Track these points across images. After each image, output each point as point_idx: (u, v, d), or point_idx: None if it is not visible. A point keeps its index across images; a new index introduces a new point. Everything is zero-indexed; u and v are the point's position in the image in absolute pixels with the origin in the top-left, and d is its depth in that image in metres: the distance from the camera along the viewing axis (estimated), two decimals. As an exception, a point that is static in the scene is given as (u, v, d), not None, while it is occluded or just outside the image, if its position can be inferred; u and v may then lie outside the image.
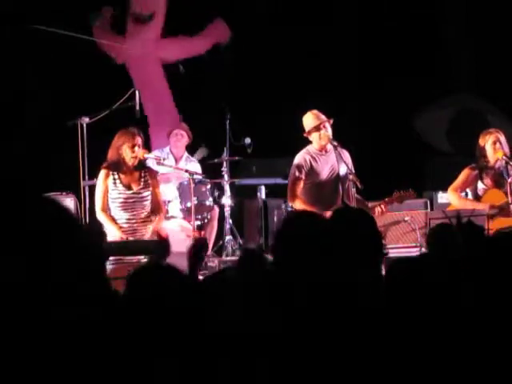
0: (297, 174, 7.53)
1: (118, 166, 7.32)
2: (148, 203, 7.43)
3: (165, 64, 10.89)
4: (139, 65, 10.81)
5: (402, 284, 2.61)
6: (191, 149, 9.19)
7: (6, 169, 9.10)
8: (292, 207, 7.73)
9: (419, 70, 10.70)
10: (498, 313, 2.49)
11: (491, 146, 7.65)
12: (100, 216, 7.35)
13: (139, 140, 7.32)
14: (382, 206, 7.29)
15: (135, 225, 7.38)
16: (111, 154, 7.34)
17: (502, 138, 7.67)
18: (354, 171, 7.57)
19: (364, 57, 10.82)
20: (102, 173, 7.37)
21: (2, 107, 9.97)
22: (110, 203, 7.40)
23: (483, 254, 2.59)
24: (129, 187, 7.37)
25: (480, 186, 7.69)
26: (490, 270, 2.53)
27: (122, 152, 7.29)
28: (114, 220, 7.34)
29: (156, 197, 7.46)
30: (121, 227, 7.31)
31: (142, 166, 7.44)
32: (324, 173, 7.56)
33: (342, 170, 7.58)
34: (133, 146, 7.27)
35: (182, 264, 4.03)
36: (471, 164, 7.75)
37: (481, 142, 7.71)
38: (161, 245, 6.79)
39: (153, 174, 7.54)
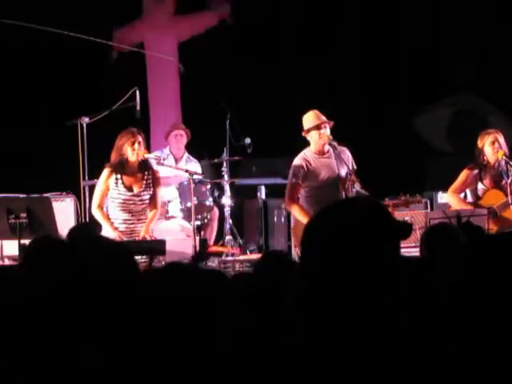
0: (294, 179, 7.49)
1: (121, 167, 7.33)
2: (147, 205, 7.45)
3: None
4: (155, 46, 10.87)
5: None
6: (190, 149, 9.18)
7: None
8: (285, 209, 7.71)
9: (420, 70, 10.71)
10: (498, 313, 2.49)
11: (490, 146, 7.65)
12: (95, 212, 7.39)
13: (139, 137, 7.34)
14: (390, 211, 7.29)
15: (132, 226, 7.39)
16: (114, 156, 7.36)
17: (501, 138, 7.67)
18: (355, 167, 7.56)
19: (364, 56, 10.81)
20: (105, 172, 7.39)
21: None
22: (109, 202, 7.42)
23: (482, 254, 2.59)
24: (130, 189, 7.38)
25: (480, 186, 7.69)
26: (489, 270, 2.53)
27: (124, 152, 7.30)
28: (109, 219, 7.36)
29: (154, 195, 7.46)
30: (117, 228, 7.33)
31: (145, 167, 7.45)
32: (322, 176, 7.51)
33: (343, 171, 7.55)
34: (133, 143, 7.28)
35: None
36: (470, 164, 7.75)
37: (479, 142, 7.71)
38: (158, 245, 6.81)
39: (156, 174, 7.54)
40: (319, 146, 7.53)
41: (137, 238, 7.29)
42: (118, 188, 7.36)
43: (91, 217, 7.77)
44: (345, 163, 7.50)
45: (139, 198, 7.41)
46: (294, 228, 7.70)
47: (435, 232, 4.66)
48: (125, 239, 7.22)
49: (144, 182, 7.42)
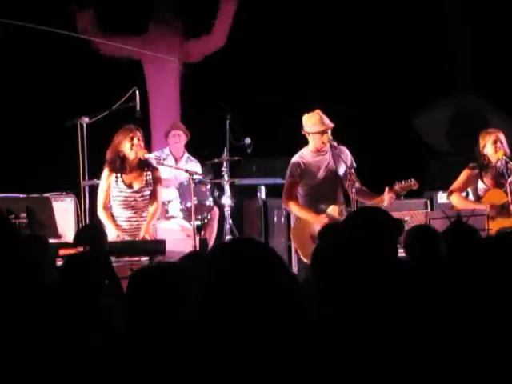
0: (290, 177, 7.49)
1: (120, 166, 7.34)
2: (149, 202, 7.46)
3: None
4: (157, 66, 10.79)
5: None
6: (189, 149, 9.18)
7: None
8: (285, 209, 7.66)
9: (420, 70, 10.72)
10: (497, 313, 2.49)
11: (491, 145, 7.64)
12: (100, 214, 7.40)
13: (138, 133, 7.34)
14: (391, 194, 7.21)
15: (136, 223, 7.40)
16: (110, 154, 7.36)
17: (502, 138, 7.68)
18: (355, 165, 7.52)
19: (365, 56, 10.82)
20: (105, 172, 7.41)
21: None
22: (111, 201, 7.43)
23: (477, 254, 2.59)
24: (130, 186, 7.39)
25: (481, 185, 7.69)
26: (489, 270, 2.53)
27: (121, 149, 7.31)
28: (113, 218, 7.36)
29: (155, 192, 7.47)
30: (119, 225, 7.33)
31: (144, 164, 7.46)
32: (320, 174, 7.49)
33: (341, 169, 7.53)
34: (132, 139, 7.28)
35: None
36: (470, 164, 7.74)
37: (481, 142, 7.71)
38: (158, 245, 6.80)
39: (156, 172, 7.54)
40: (317, 147, 7.51)
41: (137, 238, 7.29)
42: (118, 186, 7.38)
43: (91, 217, 7.78)
44: (343, 162, 7.47)
45: (140, 195, 7.42)
46: (293, 230, 7.65)
47: (415, 235, 4.63)
48: (126, 238, 7.23)
49: (144, 178, 7.42)
